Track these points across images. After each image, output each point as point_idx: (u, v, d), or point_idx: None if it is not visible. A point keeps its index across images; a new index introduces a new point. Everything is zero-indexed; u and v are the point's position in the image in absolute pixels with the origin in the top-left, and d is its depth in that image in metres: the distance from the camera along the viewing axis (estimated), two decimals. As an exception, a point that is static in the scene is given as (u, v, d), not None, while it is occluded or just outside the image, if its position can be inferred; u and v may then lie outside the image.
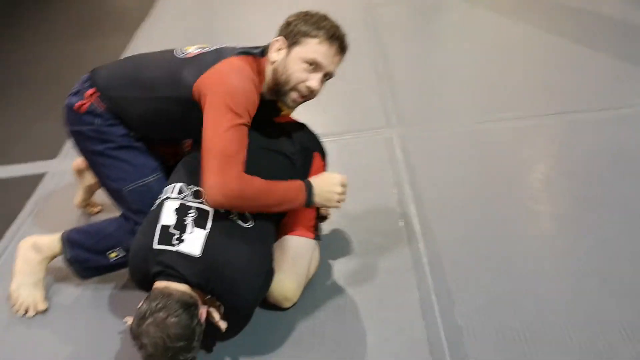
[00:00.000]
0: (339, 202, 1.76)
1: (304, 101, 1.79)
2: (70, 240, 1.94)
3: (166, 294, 1.52)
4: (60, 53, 4.13)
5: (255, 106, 1.67)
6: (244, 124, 1.61)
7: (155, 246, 1.59)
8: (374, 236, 2.14)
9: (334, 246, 2.11)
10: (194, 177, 1.69)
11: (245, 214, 1.66)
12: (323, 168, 1.96)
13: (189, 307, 1.53)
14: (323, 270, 1.99)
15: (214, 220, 1.61)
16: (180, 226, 1.61)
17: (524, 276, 1.89)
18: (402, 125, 2.81)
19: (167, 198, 1.70)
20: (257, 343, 1.77)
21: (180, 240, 1.58)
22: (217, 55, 1.74)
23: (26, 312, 1.96)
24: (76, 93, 1.88)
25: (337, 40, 1.73)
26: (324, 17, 1.76)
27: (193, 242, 1.58)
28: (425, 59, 3.49)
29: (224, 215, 1.63)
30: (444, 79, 3.27)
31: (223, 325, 1.65)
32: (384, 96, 3.07)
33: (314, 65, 1.72)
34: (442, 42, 3.74)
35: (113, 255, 1.91)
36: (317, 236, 1.89)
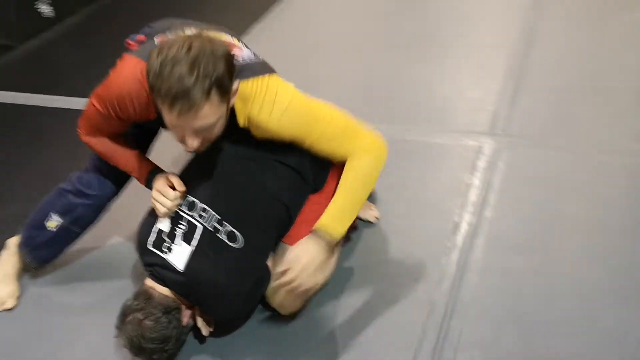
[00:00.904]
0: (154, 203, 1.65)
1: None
2: (22, 226, 1.88)
3: (148, 296, 1.59)
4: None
5: (131, 110, 1.54)
6: (100, 112, 1.60)
7: (149, 246, 1.65)
8: (404, 262, 1.92)
9: (355, 259, 1.94)
10: (196, 187, 1.66)
11: (235, 234, 1.62)
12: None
13: (170, 311, 1.58)
14: (337, 281, 1.82)
15: (201, 237, 1.61)
16: (171, 235, 1.63)
17: (550, 346, 1.59)
18: (506, 136, 2.43)
19: None
20: (245, 342, 1.72)
21: (169, 250, 1.62)
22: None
23: None
24: (136, 34, 1.79)
25: (176, 101, 1.33)
26: (167, 65, 1.31)
27: (179, 255, 1.60)
28: (581, 60, 2.96)
29: (211, 234, 1.62)
30: (595, 89, 2.72)
31: (205, 331, 1.68)
32: (502, 97, 2.65)
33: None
34: (616, 43, 3.10)
35: (52, 224, 1.81)
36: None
